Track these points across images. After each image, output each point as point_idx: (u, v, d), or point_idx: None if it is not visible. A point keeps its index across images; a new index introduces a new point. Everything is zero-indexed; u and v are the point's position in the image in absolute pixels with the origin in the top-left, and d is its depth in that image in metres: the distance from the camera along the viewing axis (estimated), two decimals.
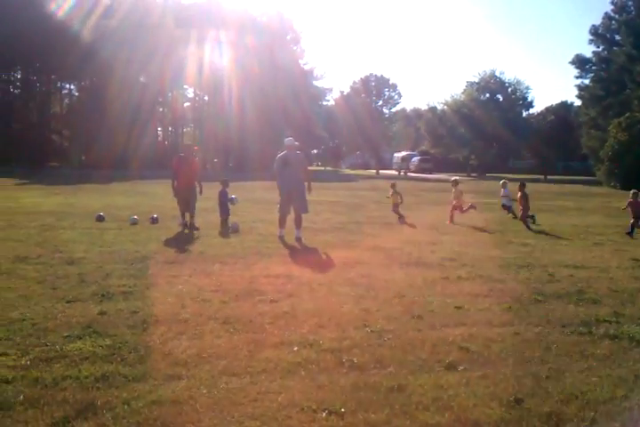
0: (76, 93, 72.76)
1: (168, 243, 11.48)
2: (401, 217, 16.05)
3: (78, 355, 5.04)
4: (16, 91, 71.01)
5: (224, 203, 14.14)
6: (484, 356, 5.20)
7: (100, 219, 14.59)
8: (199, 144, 47.03)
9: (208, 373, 4.69)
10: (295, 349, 5.28)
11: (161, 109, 72.37)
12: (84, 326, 5.84)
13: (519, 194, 15.36)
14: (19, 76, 70.29)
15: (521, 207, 15.25)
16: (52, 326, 5.82)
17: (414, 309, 6.67)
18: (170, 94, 71.06)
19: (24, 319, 6.04)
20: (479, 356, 5.20)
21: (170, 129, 75.87)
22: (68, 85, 73.02)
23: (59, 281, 7.85)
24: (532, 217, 15.26)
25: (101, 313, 6.30)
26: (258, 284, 7.82)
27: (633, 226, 13.59)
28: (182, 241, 11.84)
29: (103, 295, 7.06)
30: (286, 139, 12.85)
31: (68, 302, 6.78)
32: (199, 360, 4.96)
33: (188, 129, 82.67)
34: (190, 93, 75.39)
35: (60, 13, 55.73)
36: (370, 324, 6.04)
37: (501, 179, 19.60)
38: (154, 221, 14.37)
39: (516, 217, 16.54)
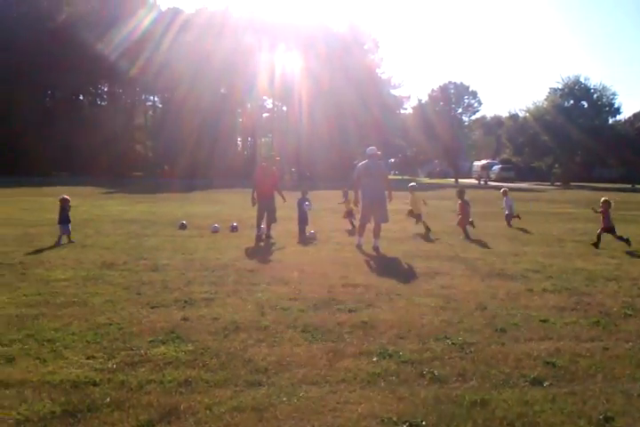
0: (159, 105, 75.27)
1: (247, 251, 11.65)
2: (426, 228, 15.14)
3: (162, 360, 5.16)
4: (102, 103, 74.12)
5: (303, 212, 14.24)
6: (570, 372, 5.00)
7: (183, 227, 14.98)
8: (275, 154, 47.77)
9: (288, 380, 4.71)
10: (375, 359, 5.24)
11: (240, 120, 73.83)
12: (167, 331, 5.98)
13: (459, 202, 15.14)
14: (105, 89, 73.34)
15: (460, 214, 14.91)
16: (137, 331, 5.99)
17: (497, 321, 6.49)
18: (249, 105, 72.42)
19: (111, 324, 6.24)
20: (566, 372, 5.00)
21: (249, 139, 77.30)
22: (151, 97, 75.75)
23: (143, 287, 8.09)
24: (471, 223, 14.99)
25: (184, 319, 6.44)
26: (336, 293, 7.81)
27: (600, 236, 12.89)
28: (261, 249, 12.01)
29: (185, 302, 7.23)
30: (368, 148, 12.78)
31: (152, 307, 6.97)
32: (279, 368, 4.99)
33: (266, 139, 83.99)
34: (269, 104, 76.62)
35: (143, 28, 58.08)
36: (451, 336, 5.92)
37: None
38: (233, 229, 14.64)
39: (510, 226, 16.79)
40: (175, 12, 65.69)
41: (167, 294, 7.64)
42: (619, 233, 12.88)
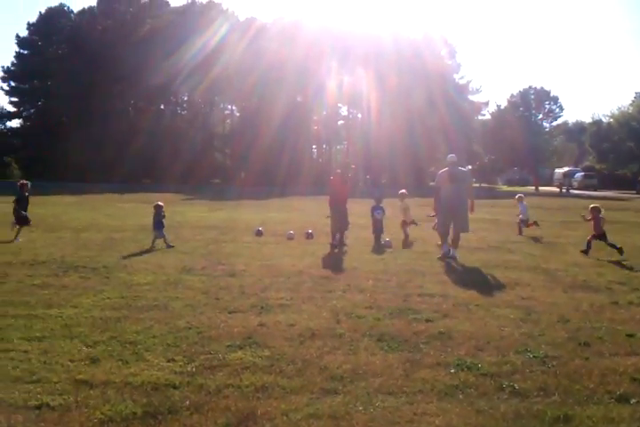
0: (237, 114, 76.72)
1: (322, 258, 11.67)
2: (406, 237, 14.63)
3: (239, 364, 5.23)
4: (183, 112, 76.21)
5: (378, 220, 14.17)
6: None
7: (259, 233, 15.18)
8: (350, 161, 47.91)
9: (364, 389, 4.68)
10: (452, 371, 5.14)
11: (315, 128, 74.36)
12: (244, 336, 6.06)
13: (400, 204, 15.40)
14: (185, 98, 75.39)
15: (404, 218, 15.10)
16: (216, 336, 6.09)
17: (580, 335, 6.26)
18: (324, 113, 72.87)
19: (190, 328, 6.38)
20: None
21: (324, 146, 77.74)
22: (229, 106, 77.33)
23: (221, 292, 8.24)
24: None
25: (261, 325, 6.51)
26: (412, 302, 7.72)
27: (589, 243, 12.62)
28: (336, 256, 12.02)
29: (262, 307, 7.31)
30: (449, 155, 12.58)
31: (229, 312, 7.08)
32: (355, 376, 4.96)
33: (341, 146, 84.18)
34: (344, 111, 76.82)
35: (221, 37, 59.58)
36: (532, 349, 5.74)
37: None
38: (309, 236, 14.73)
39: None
40: (252, 22, 66.98)
41: (244, 300, 7.75)
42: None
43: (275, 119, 57.19)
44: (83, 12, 73.09)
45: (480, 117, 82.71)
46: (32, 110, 75.48)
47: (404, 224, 15.02)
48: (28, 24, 73.46)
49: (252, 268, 10.28)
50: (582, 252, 12.51)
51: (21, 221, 14.29)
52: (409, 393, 4.62)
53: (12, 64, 73.87)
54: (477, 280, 9.53)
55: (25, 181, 15.08)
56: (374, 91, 61.53)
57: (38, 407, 4.30)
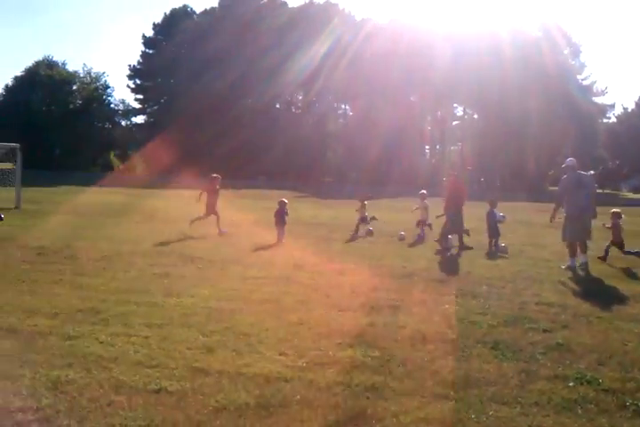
0: (350, 113, 77.10)
1: (435, 260, 11.50)
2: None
3: (349, 363, 5.23)
4: (297, 111, 77.51)
5: (493, 224, 13.77)
6: None
7: (370, 233, 15.15)
8: (467, 163, 47.01)
9: (476, 397, 4.55)
10: (571, 384, 4.90)
11: (429, 128, 73.47)
12: (354, 335, 6.06)
13: (361, 205, 15.58)
14: (300, 98, 76.63)
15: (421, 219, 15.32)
16: (326, 332, 6.13)
17: None
18: (438, 113, 71.87)
19: (301, 323, 6.46)
20: None
21: (437, 147, 76.64)
22: (343, 106, 77.85)
23: (331, 290, 8.30)
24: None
25: (370, 324, 6.49)
26: (528, 311, 7.43)
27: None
28: (449, 260, 11.77)
29: (372, 307, 7.28)
30: (568, 159, 11.95)
31: (340, 310, 7.11)
32: (467, 383, 4.84)
33: (455, 147, 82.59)
34: (459, 112, 75.40)
35: (337, 37, 60.11)
36: None
37: None
38: (420, 238, 14.54)
39: None
40: (368, 22, 67.03)
41: (354, 299, 7.76)
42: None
43: (387, 118, 56.99)
44: (204, 12, 76.02)
45: (605, 120, 78.57)
46: (155, 107, 79.35)
47: (421, 224, 15.39)
48: (154, 24, 77.62)
49: (363, 267, 10.28)
50: (600, 258, 11.77)
51: (211, 209, 14.78)
52: (524, 404, 4.45)
53: (138, 63, 78.21)
54: (600, 291, 9.03)
55: (216, 175, 15.44)
56: (491, 91, 59.89)
57: (157, 391, 4.49)
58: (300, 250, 12.18)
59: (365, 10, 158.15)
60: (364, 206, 15.64)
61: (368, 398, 4.48)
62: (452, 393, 4.61)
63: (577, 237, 11.31)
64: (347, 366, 5.16)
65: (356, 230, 15.34)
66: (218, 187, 15.15)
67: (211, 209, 14.70)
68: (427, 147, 75.45)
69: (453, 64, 57.43)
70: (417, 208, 16.00)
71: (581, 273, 10.60)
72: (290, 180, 55.45)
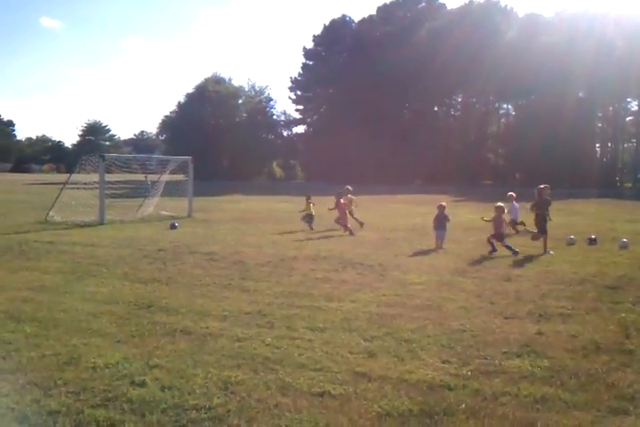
0: (513, 112, 74.43)
1: (608, 266, 10.70)
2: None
3: (517, 373, 5.02)
4: (456, 113, 76.12)
5: None
6: None
7: (536, 238, 14.41)
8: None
9: None
10: None
11: (600, 125, 69.08)
12: (521, 344, 5.81)
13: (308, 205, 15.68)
14: (459, 99, 75.24)
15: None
16: (491, 340, 5.93)
17: None
18: (611, 108, 67.37)
19: (464, 330, 6.30)
20: None
21: (609, 145, 71.80)
22: (505, 105, 75.34)
23: (496, 296, 8.02)
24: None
25: (539, 333, 6.19)
26: None
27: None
28: (623, 265, 10.85)
29: (540, 315, 6.95)
30: None
31: (505, 318, 6.86)
32: None
33: (629, 145, 76.90)
34: (634, 107, 70.14)
35: (500, 35, 58.28)
36: None
37: None
38: (592, 241, 13.66)
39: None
40: (533, 17, 64.42)
41: (521, 306, 7.45)
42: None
43: (553, 117, 54.23)
44: (363, 21, 76.86)
45: None
46: (315, 117, 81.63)
47: (512, 225, 15.21)
48: (314, 36, 79.73)
49: (529, 273, 9.86)
50: (489, 253, 12.08)
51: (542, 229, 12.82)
52: None
53: (299, 74, 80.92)
54: None
55: (545, 185, 13.64)
56: None
57: (321, 395, 4.57)
58: (461, 255, 11.92)
59: (529, 4, 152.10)
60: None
61: (538, 410, 4.27)
62: (631, 408, 4.27)
63: None
64: (514, 375, 4.96)
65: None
66: (548, 198, 13.47)
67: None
68: (597, 145, 70.92)
69: (626, 54, 53.55)
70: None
71: None
72: (448, 183, 54.56)
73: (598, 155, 68.98)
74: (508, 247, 12.16)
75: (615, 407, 4.30)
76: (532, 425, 4.01)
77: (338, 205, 15.61)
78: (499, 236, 12.50)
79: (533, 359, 5.34)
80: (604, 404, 4.36)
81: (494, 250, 12.14)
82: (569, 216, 22.53)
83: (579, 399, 4.44)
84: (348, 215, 16.27)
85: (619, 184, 63.85)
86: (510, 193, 16.98)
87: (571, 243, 13.62)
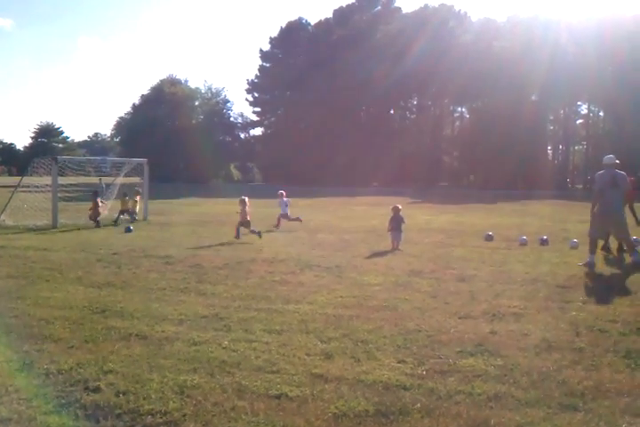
0: (467, 115, 75.63)
1: (559, 266, 10.95)
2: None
3: (471, 371, 5.10)
4: (412, 116, 76.98)
5: None
6: None
7: (489, 238, 14.75)
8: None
9: (607, 409, 4.31)
10: None
11: (551, 127, 70.68)
12: (475, 343, 5.91)
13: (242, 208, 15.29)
14: (415, 102, 76.11)
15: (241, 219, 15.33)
16: (446, 340, 6.02)
17: None
18: (562, 112, 68.97)
19: (419, 330, 6.38)
20: None
21: (560, 147, 73.49)
22: (459, 108, 76.53)
23: (451, 297, 8.13)
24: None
25: (492, 332, 6.30)
26: None
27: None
28: (574, 265, 11.11)
29: (494, 315, 7.07)
30: (606, 157, 11.27)
31: (459, 317, 6.96)
32: (597, 394, 4.59)
33: (580, 147, 78.81)
34: (584, 110, 71.93)
35: (452, 39, 59.15)
36: None
37: None
38: (543, 242, 13.98)
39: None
40: (486, 22, 65.63)
41: (475, 306, 7.57)
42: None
43: (507, 120, 55.28)
44: (319, 23, 77.17)
45: None
46: (272, 119, 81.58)
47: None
48: (270, 38, 79.78)
49: (483, 273, 10.02)
50: (235, 237, 14.37)
51: None
52: None
53: (256, 77, 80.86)
54: None
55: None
56: (619, 86, 56.66)
57: (278, 397, 4.57)
58: (416, 256, 12.05)
59: (482, 9, 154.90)
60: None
61: (491, 407, 4.35)
62: (581, 404, 4.38)
63: (599, 234, 11.35)
64: (468, 374, 5.04)
65: None
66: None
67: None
68: (549, 147, 72.52)
69: (577, 59, 54.92)
70: None
71: None
72: (404, 185, 55.13)
73: (550, 157, 70.63)
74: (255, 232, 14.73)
75: (566, 404, 4.40)
76: (486, 423, 4.08)
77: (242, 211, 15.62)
78: (245, 223, 14.86)
79: (487, 358, 5.44)
80: (555, 401, 4.46)
81: (238, 236, 14.43)
82: (523, 217, 23.03)
83: (531, 397, 4.54)
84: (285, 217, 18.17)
85: (570, 186, 65.55)
86: (281, 191, 18.90)
87: (523, 243, 13.90)
